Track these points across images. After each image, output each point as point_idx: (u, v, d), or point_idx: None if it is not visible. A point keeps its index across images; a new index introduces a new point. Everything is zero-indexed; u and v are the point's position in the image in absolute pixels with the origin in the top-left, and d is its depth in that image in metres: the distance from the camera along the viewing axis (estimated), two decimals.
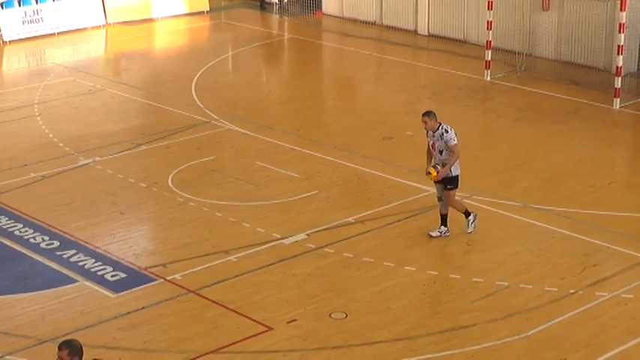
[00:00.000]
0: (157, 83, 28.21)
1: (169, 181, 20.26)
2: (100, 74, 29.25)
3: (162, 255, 17.15)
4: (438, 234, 17.49)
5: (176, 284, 16.02)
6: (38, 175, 20.77)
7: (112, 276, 16.35)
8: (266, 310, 15.19)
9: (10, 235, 17.90)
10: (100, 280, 16.20)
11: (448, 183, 17.12)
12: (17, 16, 32.72)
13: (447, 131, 16.90)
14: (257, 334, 14.55)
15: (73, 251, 17.23)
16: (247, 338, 14.45)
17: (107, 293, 15.81)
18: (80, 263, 16.80)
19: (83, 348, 10.29)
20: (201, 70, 28.90)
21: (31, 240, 17.73)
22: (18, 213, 18.84)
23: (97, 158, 21.65)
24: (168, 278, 16.22)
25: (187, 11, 36.03)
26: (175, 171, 20.76)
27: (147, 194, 19.77)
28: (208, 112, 24.80)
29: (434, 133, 17.01)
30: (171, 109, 25.27)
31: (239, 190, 19.83)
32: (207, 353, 14.07)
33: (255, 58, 31.25)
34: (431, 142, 17.13)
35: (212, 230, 18.02)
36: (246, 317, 15.02)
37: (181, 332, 14.66)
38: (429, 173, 17.04)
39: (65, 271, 16.55)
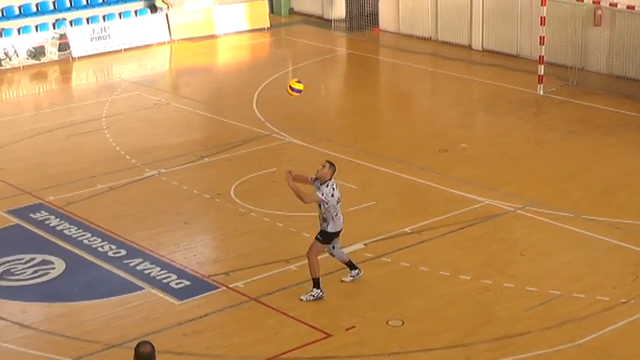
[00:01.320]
0: (219, 97, 28.38)
1: (232, 192, 20.36)
2: (165, 89, 29.51)
3: (225, 263, 17.25)
4: (351, 278, 16.35)
5: (238, 292, 16.10)
6: (106, 187, 20.98)
7: (177, 284, 16.47)
8: (325, 318, 15.23)
9: (80, 244, 18.11)
10: (165, 288, 16.34)
11: (320, 233, 15.65)
12: (86, 33, 33.10)
13: (327, 185, 15.34)
14: (316, 341, 14.58)
15: (139, 260, 17.40)
16: (307, 344, 14.49)
17: (172, 300, 15.94)
18: (146, 271, 16.96)
19: (154, 352, 10.27)
20: (262, 85, 29.03)
21: (99, 249, 17.92)
22: (87, 223, 19.06)
23: (162, 170, 21.83)
24: (230, 286, 16.31)
25: (249, 28, 36.21)
26: (237, 182, 20.87)
27: (210, 205, 19.90)
28: (269, 125, 24.91)
29: (320, 184, 15.42)
30: (233, 122, 25.42)
31: (299, 202, 19.78)
32: (267, 359, 14.13)
33: (314, 72, 31.29)
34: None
35: (273, 240, 18.09)
36: (306, 324, 15.06)
37: (243, 338, 14.74)
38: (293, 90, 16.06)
39: (131, 279, 16.71)
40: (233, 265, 17.13)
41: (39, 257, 17.62)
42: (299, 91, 16.23)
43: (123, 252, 17.73)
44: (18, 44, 31.78)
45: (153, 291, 16.26)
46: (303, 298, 15.77)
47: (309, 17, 38.22)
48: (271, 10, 38.03)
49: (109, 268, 17.16)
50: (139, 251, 17.74)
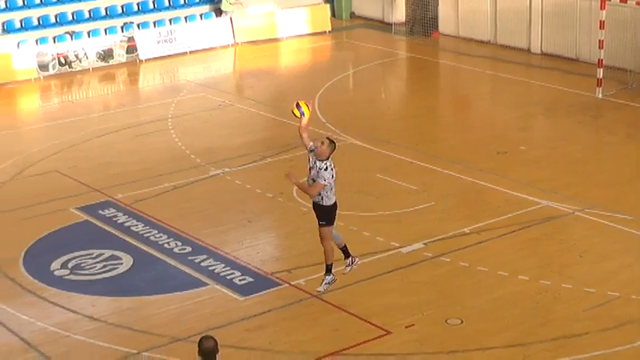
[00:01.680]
0: (281, 99, 28.46)
1: (294, 191, 20.42)
2: (229, 90, 29.68)
3: (287, 261, 17.33)
4: (348, 268, 16.00)
5: (300, 289, 16.17)
6: (171, 185, 21.17)
7: (240, 280, 16.58)
8: (385, 315, 15.23)
9: (146, 241, 18.30)
10: (229, 284, 16.46)
11: (321, 217, 15.32)
12: (152, 36, 33.40)
13: (325, 169, 14.97)
14: (376, 338, 14.60)
15: (204, 256, 17.54)
16: (367, 341, 14.51)
17: (235, 296, 16.06)
18: (210, 267, 17.09)
19: (217, 346, 10.36)
20: (324, 87, 29.08)
21: (165, 245, 18.10)
22: (153, 220, 19.25)
23: (226, 169, 21.97)
24: (292, 283, 16.38)
25: (310, 31, 36.27)
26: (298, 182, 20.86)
27: (273, 204, 20.00)
28: (330, 126, 24.93)
29: (317, 160, 15.09)
30: (294, 123, 25.25)
31: (360, 201, 19.89)
32: (328, 355, 14.19)
33: (375, 75, 31.30)
34: (309, 165, 15.30)
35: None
36: (366, 321, 15.08)
37: (304, 334, 14.81)
38: (299, 109, 15.47)
39: (197, 275, 16.86)
40: (295, 262, 17.20)
41: (108, 252, 17.84)
42: (303, 114, 15.61)
43: (188, 249, 17.88)
44: (88, 47, 32.17)
45: (217, 287, 16.39)
46: (321, 289, 15.63)
47: (369, 21, 38.17)
48: (332, 14, 38.06)
49: (175, 264, 17.32)
50: (203, 248, 17.89)
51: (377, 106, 27.43)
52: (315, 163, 15.16)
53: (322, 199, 15.29)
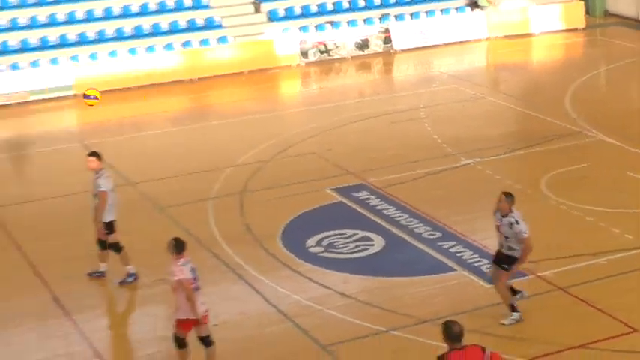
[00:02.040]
0: (533, 94, 28.13)
1: (542, 184, 20.18)
2: (480, 83, 29.55)
3: (534, 252, 16.81)
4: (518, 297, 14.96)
5: (546, 280, 16.00)
6: (423, 172, 21.34)
7: (488, 268, 16.46)
8: (631, 312, 14.85)
9: (397, 224, 18.57)
10: (476, 271, 16.50)
11: (504, 261, 14.65)
12: (408, 28, 33.71)
13: (517, 222, 14.38)
14: (622, 335, 14.28)
15: (453, 242, 17.63)
16: (612, 337, 14.22)
17: (482, 283, 16.06)
18: (459, 254, 17.18)
19: (463, 331, 10.36)
20: (575, 83, 28.47)
21: (415, 230, 18.31)
22: (404, 204, 19.49)
23: (477, 159, 21.92)
24: (538, 274, 16.21)
25: (564, 27, 35.54)
26: (548, 175, 20.61)
27: (521, 196, 19.59)
28: (581, 122, 24.42)
29: (502, 216, 14.58)
30: (545, 118, 25.11)
31: (609, 198, 19.42)
32: (572, 347, 13.99)
33: (629, 74, 30.33)
34: (496, 224, 14.75)
35: (582, 233, 17.83)
36: (612, 317, 14.76)
37: (549, 325, 14.67)
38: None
39: (445, 260, 16.99)
40: (542, 254, 16.88)
41: (360, 233, 18.23)
42: (96, 97, 18.38)
43: (437, 234, 18.03)
44: (346, 36, 32.83)
45: (464, 273, 16.46)
46: (505, 322, 14.74)
47: (624, 19, 37.00)
48: (586, 11, 37.14)
49: (424, 248, 17.51)
50: (452, 234, 17.99)
51: (630, 104, 26.62)
52: (501, 220, 14.65)
53: (510, 249, 14.64)
